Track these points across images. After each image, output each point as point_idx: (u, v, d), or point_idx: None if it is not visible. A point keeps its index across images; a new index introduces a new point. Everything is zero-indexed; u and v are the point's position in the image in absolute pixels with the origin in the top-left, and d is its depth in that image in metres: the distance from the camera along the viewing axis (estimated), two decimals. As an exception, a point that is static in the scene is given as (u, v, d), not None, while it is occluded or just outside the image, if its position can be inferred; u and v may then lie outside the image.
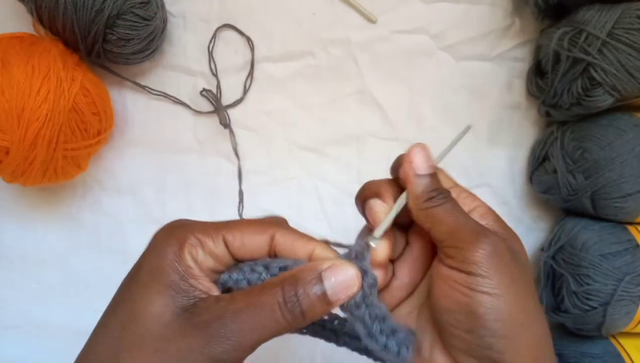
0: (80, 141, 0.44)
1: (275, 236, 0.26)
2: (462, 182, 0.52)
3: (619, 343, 0.44)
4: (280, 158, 0.51)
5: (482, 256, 0.24)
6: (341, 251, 0.27)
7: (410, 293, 0.29)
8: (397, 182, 0.29)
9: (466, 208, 0.27)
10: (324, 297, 0.24)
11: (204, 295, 0.24)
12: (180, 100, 0.50)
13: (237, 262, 0.26)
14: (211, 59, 0.49)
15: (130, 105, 0.50)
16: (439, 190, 0.26)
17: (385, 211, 0.27)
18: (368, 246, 0.26)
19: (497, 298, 0.23)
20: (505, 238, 0.26)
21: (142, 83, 0.50)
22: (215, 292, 0.25)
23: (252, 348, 0.23)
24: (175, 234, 0.25)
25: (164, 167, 0.51)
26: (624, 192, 0.42)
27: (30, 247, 0.52)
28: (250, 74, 0.50)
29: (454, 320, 0.24)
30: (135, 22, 0.43)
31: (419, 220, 0.27)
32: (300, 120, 0.51)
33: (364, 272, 0.25)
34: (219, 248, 0.25)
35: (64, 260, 0.51)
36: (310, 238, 0.27)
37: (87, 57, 0.45)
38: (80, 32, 0.42)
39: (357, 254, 0.26)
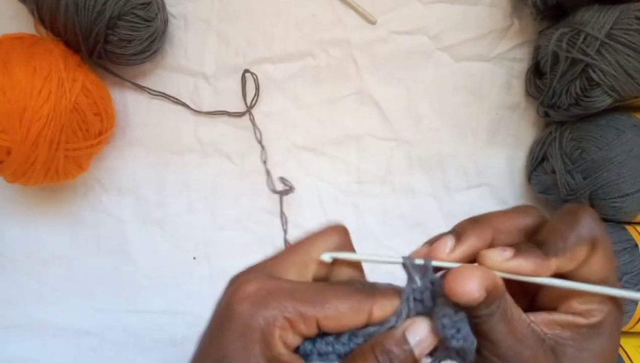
0: (81, 141, 0.44)
1: (373, 309, 0.24)
2: (461, 182, 0.52)
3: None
4: (280, 158, 0.51)
5: None
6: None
7: None
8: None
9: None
10: (412, 356, 0.23)
11: None
12: (180, 101, 0.50)
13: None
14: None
15: (132, 105, 0.51)
16: (489, 309, 0.23)
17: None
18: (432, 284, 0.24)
19: None
20: None
21: (143, 84, 0.50)
22: None
23: None
24: (261, 312, 0.22)
25: (165, 167, 0.51)
26: (622, 192, 0.42)
27: (31, 246, 0.52)
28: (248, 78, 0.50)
29: None
30: (137, 23, 0.44)
31: None
32: (299, 120, 0.51)
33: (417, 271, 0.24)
34: (311, 331, 0.23)
35: (65, 259, 0.52)
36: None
37: (89, 58, 0.46)
38: (81, 33, 0.43)
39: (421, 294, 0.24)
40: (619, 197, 0.42)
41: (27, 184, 0.45)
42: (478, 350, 0.24)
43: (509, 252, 0.24)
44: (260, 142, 0.50)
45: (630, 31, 0.39)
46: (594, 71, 0.40)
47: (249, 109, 0.49)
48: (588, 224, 0.23)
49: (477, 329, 0.24)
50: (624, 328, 0.44)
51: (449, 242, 0.24)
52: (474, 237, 0.24)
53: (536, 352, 0.23)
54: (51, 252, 0.52)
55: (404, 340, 0.23)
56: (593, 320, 0.23)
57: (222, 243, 0.51)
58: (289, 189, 0.48)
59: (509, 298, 0.24)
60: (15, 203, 0.51)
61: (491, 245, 0.25)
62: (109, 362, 0.51)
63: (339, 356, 0.24)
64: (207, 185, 0.51)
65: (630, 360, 0.43)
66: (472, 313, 0.23)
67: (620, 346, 0.44)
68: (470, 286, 0.22)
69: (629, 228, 0.45)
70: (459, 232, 0.25)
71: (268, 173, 0.49)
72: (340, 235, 0.26)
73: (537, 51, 0.47)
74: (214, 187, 0.51)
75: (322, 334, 0.24)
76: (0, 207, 0.52)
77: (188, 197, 0.51)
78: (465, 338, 0.23)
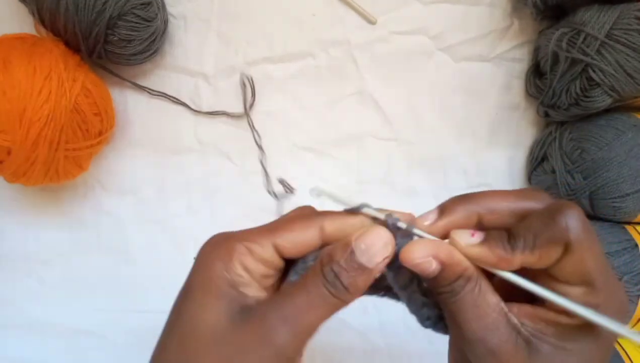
0: (81, 141, 0.44)
1: (324, 226, 0.25)
2: (462, 182, 0.52)
3: (618, 343, 0.44)
4: (280, 158, 0.51)
5: (482, 354, 0.23)
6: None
7: None
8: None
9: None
10: (360, 266, 0.23)
11: (253, 300, 0.24)
12: (180, 101, 0.50)
13: (288, 261, 0.26)
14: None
15: (132, 105, 0.51)
16: (453, 285, 0.24)
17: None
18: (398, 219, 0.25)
19: None
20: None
21: (143, 84, 0.50)
22: (264, 293, 0.25)
23: (311, 330, 0.23)
24: (222, 245, 0.25)
25: (165, 167, 0.51)
26: (622, 192, 0.42)
27: (31, 246, 0.52)
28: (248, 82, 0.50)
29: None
30: (137, 23, 0.44)
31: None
32: (300, 120, 0.51)
33: (397, 230, 0.24)
34: (268, 253, 0.25)
35: (65, 259, 0.52)
36: (357, 214, 0.25)
37: (89, 58, 0.46)
38: (81, 33, 0.43)
39: (391, 217, 0.24)
40: (618, 197, 0.42)
41: (27, 184, 0.45)
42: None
43: (477, 237, 0.24)
44: (259, 144, 0.50)
45: (630, 31, 0.39)
46: (594, 71, 0.40)
47: (247, 111, 0.49)
48: (566, 224, 0.22)
49: (445, 309, 0.24)
50: (624, 329, 0.44)
51: (431, 215, 0.25)
52: (458, 213, 0.25)
53: (505, 341, 0.23)
54: (51, 252, 0.52)
55: (349, 248, 0.23)
56: (577, 321, 0.23)
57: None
58: (287, 192, 0.48)
59: (483, 285, 0.24)
60: (15, 203, 0.51)
61: (478, 224, 0.25)
62: (109, 362, 0.51)
63: None
64: (207, 185, 0.51)
65: (630, 360, 0.43)
66: (435, 288, 0.24)
67: (621, 346, 0.44)
68: (416, 253, 0.23)
69: (629, 228, 0.45)
70: (444, 207, 0.25)
71: (266, 175, 0.49)
72: (308, 208, 0.27)
73: (537, 51, 0.47)
74: (214, 187, 0.51)
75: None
76: (1, 207, 0.52)
77: (188, 197, 0.51)
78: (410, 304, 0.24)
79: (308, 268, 0.25)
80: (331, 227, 0.25)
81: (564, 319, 0.23)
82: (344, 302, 0.24)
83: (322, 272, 0.23)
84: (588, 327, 0.23)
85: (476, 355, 0.23)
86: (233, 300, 0.23)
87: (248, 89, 0.49)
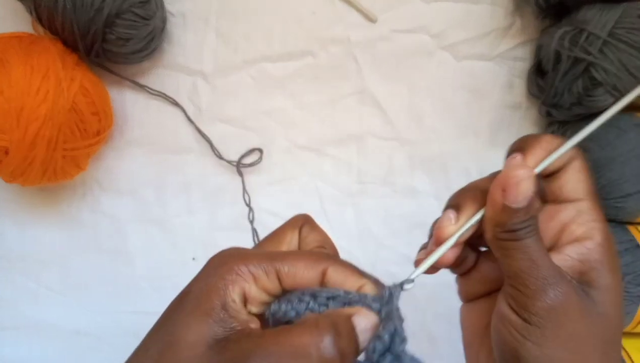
0: (79, 141, 0.44)
1: (328, 271, 0.25)
2: (463, 182, 0.52)
3: (620, 343, 0.44)
4: (280, 158, 0.51)
5: (543, 308, 0.23)
6: None
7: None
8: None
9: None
10: (356, 340, 0.23)
11: (239, 327, 0.23)
12: (176, 102, 0.50)
13: (285, 291, 0.26)
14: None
15: (130, 104, 0.50)
16: (527, 222, 0.24)
17: (452, 231, 0.26)
18: (401, 287, 0.25)
19: (547, 353, 0.23)
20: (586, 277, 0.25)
21: (142, 82, 0.50)
22: (253, 324, 0.24)
23: None
24: (228, 263, 0.24)
25: (164, 166, 0.51)
26: (624, 192, 0.42)
27: (29, 247, 0.51)
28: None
29: (500, 354, 0.25)
30: (135, 21, 0.43)
31: (491, 245, 0.25)
32: (300, 119, 0.51)
33: (387, 317, 0.24)
34: (272, 283, 0.24)
35: (63, 260, 0.51)
36: (361, 275, 0.26)
37: (87, 57, 0.45)
38: (79, 31, 0.42)
39: (388, 296, 0.25)
40: (620, 197, 0.42)
41: (25, 184, 0.45)
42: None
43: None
44: (248, 203, 0.50)
45: (633, 30, 0.39)
46: (597, 70, 0.40)
47: (239, 163, 0.48)
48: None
49: (503, 258, 0.24)
50: (625, 329, 0.44)
51: (451, 214, 0.26)
52: (471, 204, 0.26)
53: (567, 293, 0.23)
54: (49, 252, 0.51)
55: (351, 322, 0.23)
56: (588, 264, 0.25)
57: (221, 243, 0.51)
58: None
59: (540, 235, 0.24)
60: (13, 203, 0.51)
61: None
62: (108, 363, 0.51)
63: (298, 314, 0.25)
64: (207, 185, 0.51)
65: (632, 361, 0.43)
66: (499, 230, 0.24)
67: (622, 347, 0.44)
68: (522, 188, 0.23)
69: (631, 228, 0.44)
70: (455, 204, 0.26)
71: (254, 232, 0.49)
72: (304, 218, 0.28)
73: (539, 50, 0.46)
74: (214, 187, 0.51)
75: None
76: (-2, 207, 0.51)
77: (187, 197, 0.51)
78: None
79: (310, 310, 0.24)
80: (334, 274, 0.25)
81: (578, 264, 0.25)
82: None
83: (322, 336, 0.23)
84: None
85: (533, 311, 0.23)
86: (217, 322, 0.23)
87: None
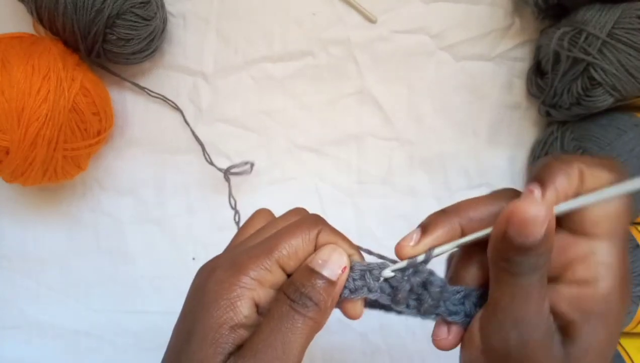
0: (80, 141, 0.44)
1: (319, 235, 0.25)
2: (462, 182, 0.52)
3: (620, 343, 0.44)
4: (280, 158, 0.51)
5: (500, 348, 0.23)
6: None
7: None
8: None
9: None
10: (326, 281, 0.24)
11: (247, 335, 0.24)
12: (176, 105, 0.50)
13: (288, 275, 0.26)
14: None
15: (130, 105, 0.50)
16: (527, 260, 0.21)
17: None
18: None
19: None
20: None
21: (142, 83, 0.50)
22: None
23: (299, 353, 0.23)
24: (227, 280, 0.24)
25: (164, 166, 0.51)
26: (624, 192, 0.42)
27: (29, 246, 0.52)
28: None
29: None
30: (135, 22, 0.43)
31: (489, 261, 0.23)
32: (300, 120, 0.51)
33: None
34: (277, 275, 0.24)
35: (64, 260, 0.51)
36: (350, 243, 0.26)
37: (87, 57, 0.45)
38: (80, 32, 0.42)
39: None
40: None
41: (25, 184, 0.45)
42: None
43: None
44: (233, 206, 0.50)
45: (632, 30, 0.39)
46: (596, 70, 0.40)
47: (226, 172, 0.48)
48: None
49: (498, 286, 0.23)
50: (625, 329, 0.44)
51: (414, 235, 0.25)
52: (440, 228, 0.25)
53: (544, 333, 0.22)
54: (49, 252, 0.51)
55: (310, 268, 0.24)
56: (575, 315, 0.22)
57: (221, 243, 0.51)
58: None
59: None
60: (13, 203, 0.51)
61: (463, 234, 0.25)
62: (108, 363, 0.51)
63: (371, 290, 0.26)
64: (206, 185, 0.51)
65: (632, 361, 0.43)
66: (503, 255, 0.22)
67: (622, 347, 0.44)
68: (536, 211, 0.20)
69: (631, 228, 0.44)
70: (425, 225, 0.25)
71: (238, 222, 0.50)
72: (317, 219, 0.27)
73: (538, 50, 0.46)
74: (214, 187, 0.51)
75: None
76: (-1, 207, 0.51)
77: (187, 197, 0.51)
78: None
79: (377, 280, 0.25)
80: (325, 239, 0.25)
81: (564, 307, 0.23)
82: (321, 320, 0.24)
83: (289, 296, 0.23)
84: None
85: (491, 346, 0.23)
86: (231, 344, 0.23)
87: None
